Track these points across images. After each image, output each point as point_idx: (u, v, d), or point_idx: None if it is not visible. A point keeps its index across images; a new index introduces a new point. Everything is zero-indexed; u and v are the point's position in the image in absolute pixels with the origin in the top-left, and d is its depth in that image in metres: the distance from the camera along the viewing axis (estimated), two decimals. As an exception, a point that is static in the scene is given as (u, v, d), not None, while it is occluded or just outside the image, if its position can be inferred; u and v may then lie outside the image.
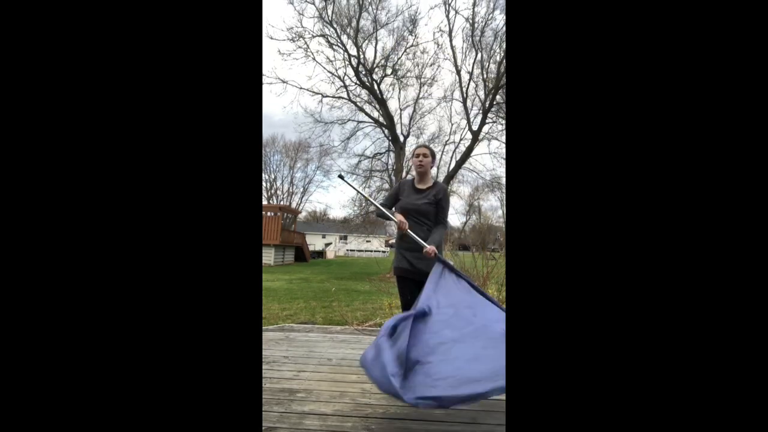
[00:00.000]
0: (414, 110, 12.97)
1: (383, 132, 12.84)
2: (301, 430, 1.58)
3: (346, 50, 11.96)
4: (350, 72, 12.26)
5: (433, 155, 2.26)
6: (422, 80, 12.61)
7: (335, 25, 11.75)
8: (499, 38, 11.17)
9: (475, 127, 11.92)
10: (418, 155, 2.21)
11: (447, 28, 14.98)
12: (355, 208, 13.71)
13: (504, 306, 1.65)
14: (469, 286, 1.88)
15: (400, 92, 13.03)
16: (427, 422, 1.67)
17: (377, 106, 12.48)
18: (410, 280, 2.18)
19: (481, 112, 11.81)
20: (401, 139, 12.66)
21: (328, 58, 12.40)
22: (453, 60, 12.04)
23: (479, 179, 13.82)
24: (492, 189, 14.01)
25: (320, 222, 35.79)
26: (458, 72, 12.01)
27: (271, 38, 11.92)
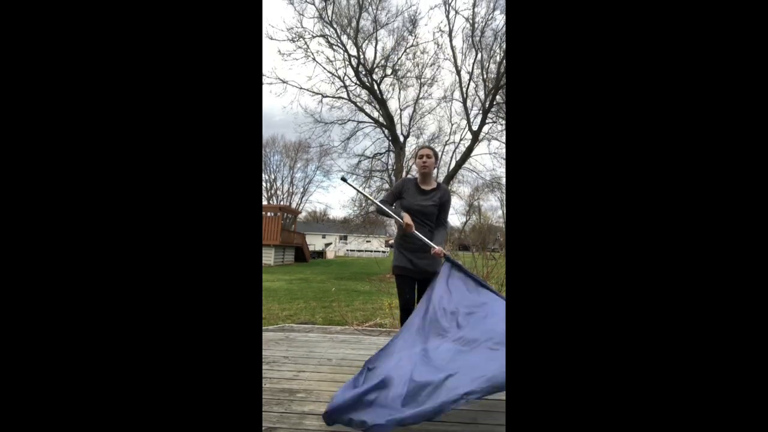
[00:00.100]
0: (414, 110, 12.99)
1: (383, 132, 12.84)
2: (301, 431, 1.58)
3: (346, 50, 11.98)
4: (350, 72, 12.28)
5: (437, 156, 2.28)
6: (422, 80, 12.63)
7: (335, 26, 11.77)
8: (499, 38, 11.19)
9: (475, 128, 11.94)
10: (421, 156, 2.22)
11: (447, 29, 14.97)
12: (355, 208, 13.71)
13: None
14: (477, 284, 1.93)
15: (400, 92, 13.07)
16: (426, 422, 1.66)
17: (377, 106, 12.49)
18: (410, 279, 2.21)
19: (481, 112, 11.83)
20: (401, 139, 12.67)
21: (328, 58, 12.44)
22: (453, 60, 12.07)
23: (479, 179, 13.83)
24: (492, 189, 14.02)
25: (320, 222, 35.77)
26: (458, 72, 12.03)
27: (271, 38, 11.94)
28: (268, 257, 15.08)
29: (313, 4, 11.48)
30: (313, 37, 11.88)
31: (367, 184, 12.94)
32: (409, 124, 13.05)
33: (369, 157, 13.20)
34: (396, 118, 12.68)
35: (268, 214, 16.33)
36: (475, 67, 11.87)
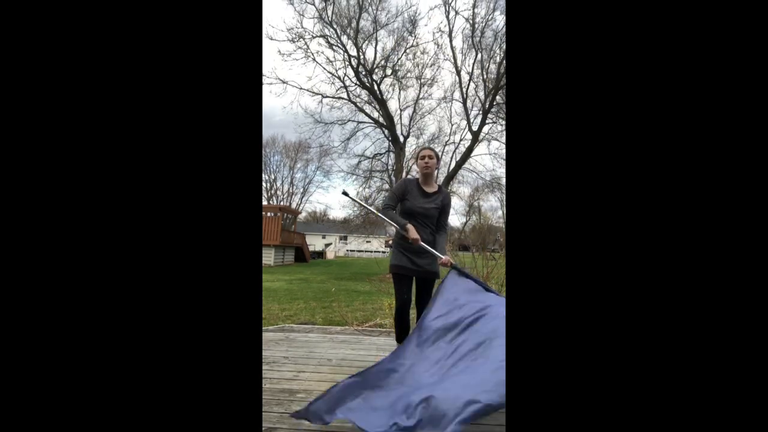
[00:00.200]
0: (414, 111, 12.98)
1: (383, 132, 12.84)
2: (300, 431, 1.58)
3: (346, 51, 11.97)
4: (350, 72, 12.28)
5: (438, 157, 2.30)
6: (422, 81, 12.63)
7: (335, 26, 11.77)
8: (499, 39, 11.19)
9: (475, 128, 11.94)
10: (423, 157, 2.22)
11: (447, 29, 14.97)
12: (355, 209, 13.70)
13: None
14: (483, 290, 1.94)
15: (400, 93, 13.05)
16: (427, 423, 1.66)
17: (377, 106, 12.48)
18: (408, 279, 2.21)
19: (481, 112, 11.83)
20: (401, 139, 12.67)
21: (328, 58, 12.41)
22: (453, 60, 12.06)
23: (479, 180, 13.83)
24: (492, 189, 14.02)
25: (320, 222, 35.77)
26: (458, 72, 12.03)
27: (271, 39, 11.94)
28: (268, 257, 15.08)
29: (313, 4, 11.49)
30: (313, 37, 11.89)
31: (367, 185, 12.95)
32: (409, 124, 13.07)
33: (369, 158, 13.20)
34: (396, 119, 12.69)
35: (268, 214, 16.33)
36: (475, 67, 11.88)
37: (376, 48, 12.25)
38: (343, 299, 6.32)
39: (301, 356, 2.58)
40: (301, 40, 11.76)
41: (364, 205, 2.65)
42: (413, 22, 12.02)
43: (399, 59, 12.29)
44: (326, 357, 2.58)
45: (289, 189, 33.00)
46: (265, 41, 11.71)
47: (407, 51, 12.27)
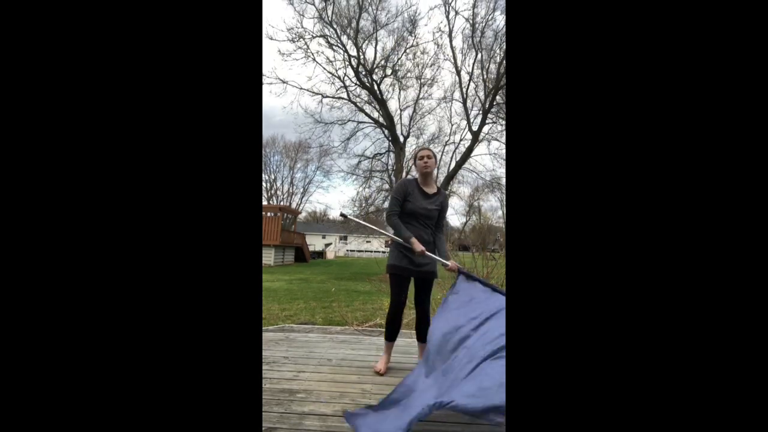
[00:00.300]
0: (414, 111, 12.98)
1: (383, 132, 12.83)
2: (301, 431, 1.58)
3: (346, 51, 11.97)
4: (350, 72, 12.28)
5: (436, 157, 2.35)
6: (422, 81, 12.62)
7: (335, 26, 11.76)
8: (499, 39, 11.18)
9: (475, 128, 11.93)
10: (422, 157, 2.25)
11: (447, 29, 14.98)
12: (355, 209, 13.70)
13: None
14: (492, 291, 1.95)
15: (400, 93, 13.04)
16: (426, 422, 1.66)
17: (377, 106, 12.48)
18: (406, 279, 2.24)
19: (481, 112, 11.82)
20: (401, 139, 12.66)
21: (328, 58, 12.42)
22: (453, 60, 12.06)
23: (479, 180, 13.83)
24: (492, 189, 14.01)
25: (320, 222, 35.78)
26: (458, 72, 12.03)
27: (271, 39, 11.93)
28: (268, 257, 15.09)
29: (313, 4, 11.48)
30: (313, 37, 11.88)
31: (367, 185, 12.94)
32: (409, 124, 13.06)
33: (369, 158, 13.19)
34: (396, 119, 12.68)
35: (268, 214, 16.34)
36: (475, 67, 11.88)
37: (376, 48, 12.26)
38: (343, 299, 6.32)
39: (301, 356, 2.58)
40: (301, 40, 11.76)
41: (364, 223, 2.70)
42: (413, 22, 12.03)
43: (399, 59, 12.29)
44: (326, 357, 2.58)
45: (289, 189, 33.03)
46: (265, 41, 11.72)
47: (407, 51, 12.27)
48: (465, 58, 12.87)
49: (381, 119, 12.60)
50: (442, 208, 2.31)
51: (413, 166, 2.43)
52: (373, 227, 2.51)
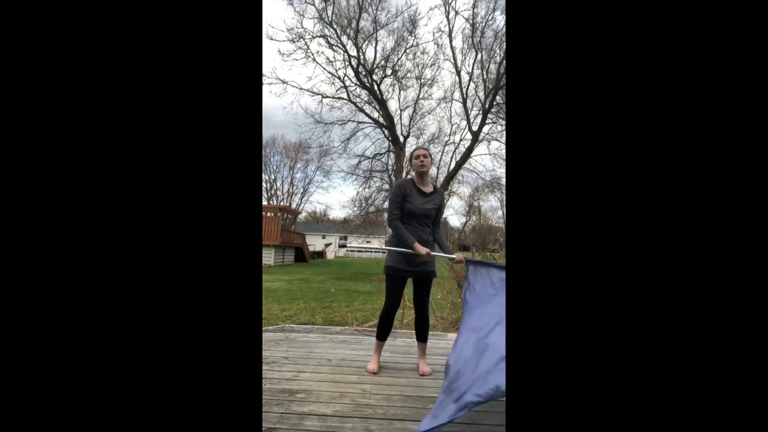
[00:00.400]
0: (414, 111, 12.96)
1: (383, 132, 12.83)
2: (300, 431, 1.58)
3: (346, 51, 11.96)
4: (350, 73, 12.27)
5: (431, 156, 2.39)
6: (422, 81, 12.61)
7: (335, 26, 11.76)
8: (499, 39, 11.18)
9: (475, 128, 11.93)
10: (418, 156, 2.27)
11: (447, 29, 14.97)
12: (355, 209, 13.71)
13: None
14: (502, 271, 1.91)
15: (400, 93, 13.02)
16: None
17: (377, 106, 12.47)
18: (403, 280, 2.26)
19: (481, 112, 11.82)
20: (401, 139, 12.66)
21: (328, 58, 12.39)
22: (453, 61, 12.06)
23: (479, 180, 13.81)
24: (492, 189, 14.00)
25: (320, 222, 35.76)
26: (458, 73, 12.02)
27: (272, 39, 11.92)
28: (268, 257, 15.09)
29: (313, 4, 11.48)
30: (313, 37, 11.87)
31: (367, 185, 12.94)
32: (409, 124, 13.05)
33: (369, 158, 13.18)
34: (396, 119, 12.67)
35: (268, 214, 16.34)
36: (475, 67, 11.87)
37: (376, 48, 12.25)
38: (343, 299, 6.32)
39: (301, 356, 2.58)
40: (301, 40, 11.75)
41: (366, 247, 2.71)
42: (413, 22, 12.01)
43: (399, 59, 12.29)
44: (326, 357, 2.58)
45: (289, 189, 33.01)
46: (265, 41, 11.70)
47: (407, 51, 12.26)
48: (465, 58, 12.88)
49: (381, 119, 12.59)
50: (440, 207, 2.34)
51: (410, 167, 2.43)
52: (387, 246, 2.50)
